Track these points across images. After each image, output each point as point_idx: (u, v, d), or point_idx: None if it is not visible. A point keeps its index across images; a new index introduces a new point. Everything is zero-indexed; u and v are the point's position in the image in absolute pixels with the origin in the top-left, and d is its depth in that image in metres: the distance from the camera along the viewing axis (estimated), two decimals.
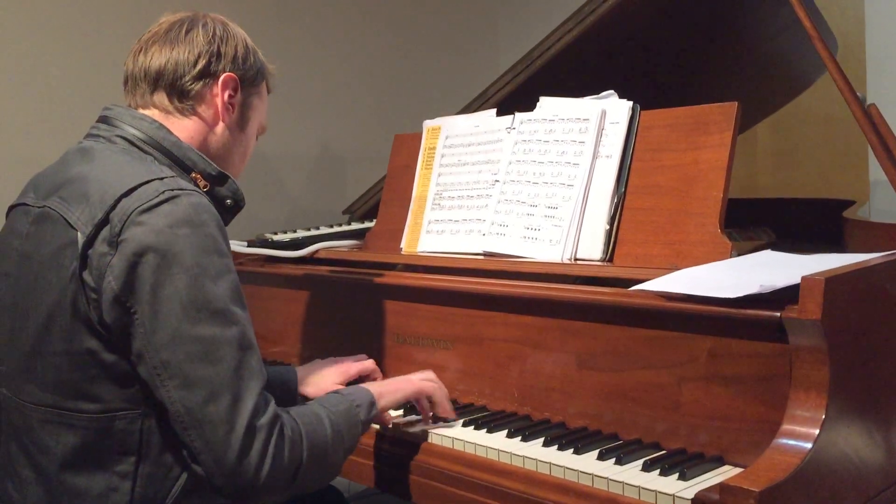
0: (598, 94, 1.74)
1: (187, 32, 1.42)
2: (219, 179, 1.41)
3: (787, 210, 2.60)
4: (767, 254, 1.48)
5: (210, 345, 1.21)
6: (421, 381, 1.54)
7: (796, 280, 1.17)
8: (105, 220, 1.23)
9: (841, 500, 1.15)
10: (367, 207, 2.37)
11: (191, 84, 1.41)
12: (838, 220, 2.27)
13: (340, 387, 1.63)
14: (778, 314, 1.15)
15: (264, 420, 1.22)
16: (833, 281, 1.13)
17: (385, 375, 1.72)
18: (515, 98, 1.98)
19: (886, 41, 3.18)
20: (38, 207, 1.33)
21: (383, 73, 3.41)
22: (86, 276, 1.23)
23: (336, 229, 2.15)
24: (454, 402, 1.60)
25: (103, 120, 1.42)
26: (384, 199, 2.06)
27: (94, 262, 1.22)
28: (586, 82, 1.83)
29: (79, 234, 1.24)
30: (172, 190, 1.24)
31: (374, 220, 2.25)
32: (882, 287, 1.27)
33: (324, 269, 1.92)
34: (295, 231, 2.14)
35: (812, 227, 2.45)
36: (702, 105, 1.57)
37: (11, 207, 1.42)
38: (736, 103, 1.52)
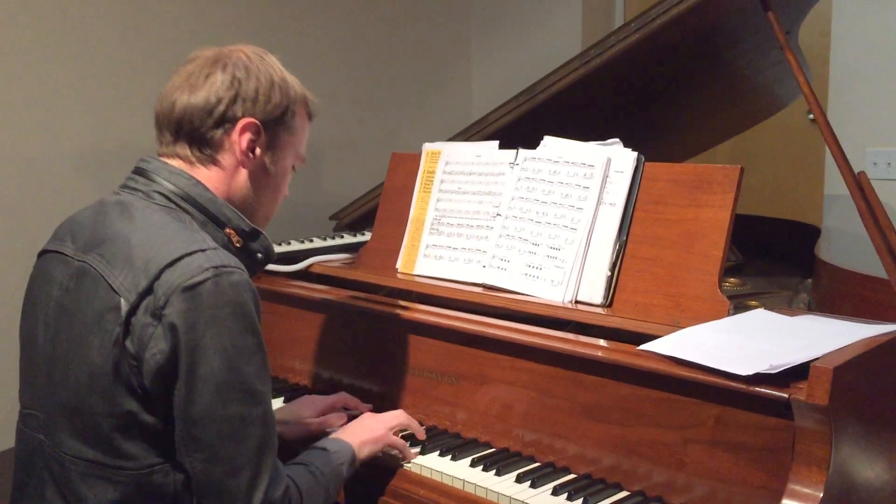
0: (587, 130, 1.81)
1: (208, 76, 1.41)
2: (252, 235, 1.45)
3: (754, 228, 2.71)
4: (761, 314, 1.57)
5: (239, 424, 1.28)
6: (392, 430, 1.61)
7: (803, 360, 1.27)
8: (149, 290, 1.26)
9: None
10: (354, 216, 2.40)
11: (209, 132, 1.41)
12: (803, 246, 2.40)
13: (313, 419, 1.70)
14: (787, 396, 1.25)
15: (278, 495, 1.30)
16: (840, 368, 1.23)
17: (385, 403, 1.78)
18: (512, 129, 2.03)
19: (851, 57, 3.29)
20: (78, 261, 1.35)
21: (362, 65, 3.40)
22: (128, 343, 1.27)
23: (329, 243, 2.19)
24: (457, 435, 1.68)
25: (140, 172, 1.44)
26: (380, 217, 2.10)
27: (137, 331, 1.26)
28: (582, 120, 1.90)
29: (122, 300, 1.27)
30: (216, 267, 1.27)
31: (361, 232, 2.29)
32: (881, 366, 1.37)
33: (329, 291, 1.95)
34: (289, 243, 2.16)
35: (778, 250, 2.57)
36: (706, 164, 1.64)
37: (45, 251, 1.44)
38: (740, 167, 1.59)
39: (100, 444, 1.30)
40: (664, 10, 1.77)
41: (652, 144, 1.79)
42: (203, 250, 1.29)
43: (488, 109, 2.16)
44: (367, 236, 2.21)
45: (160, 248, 1.29)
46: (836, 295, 1.96)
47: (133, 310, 1.26)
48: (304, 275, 2.07)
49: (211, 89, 1.40)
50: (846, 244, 2.98)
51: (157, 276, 1.26)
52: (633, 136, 1.78)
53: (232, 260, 1.32)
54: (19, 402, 1.46)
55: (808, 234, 2.54)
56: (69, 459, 1.31)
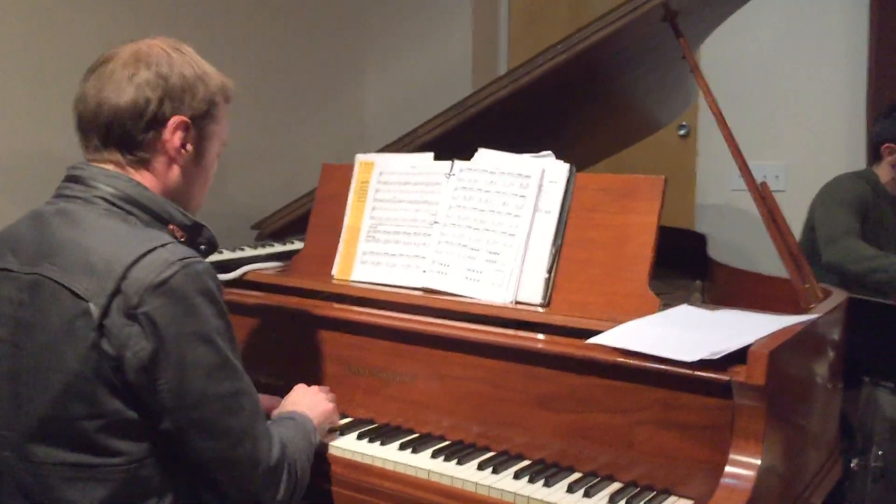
0: (510, 143, 1.95)
1: (132, 77, 1.41)
2: (194, 229, 1.50)
3: None
4: (687, 309, 1.75)
5: (232, 398, 1.37)
6: (329, 401, 1.74)
7: (739, 346, 1.44)
8: (117, 291, 1.29)
9: None
10: (278, 226, 2.45)
11: (140, 135, 1.43)
12: (689, 250, 2.63)
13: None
14: (728, 378, 1.42)
15: (277, 453, 1.41)
16: (775, 351, 1.41)
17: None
18: (440, 142, 2.14)
19: (719, 81, 3.60)
20: (28, 274, 1.35)
21: (263, 76, 3.44)
22: (104, 345, 1.30)
23: (260, 251, 2.23)
24: (411, 430, 1.77)
25: (75, 179, 1.43)
26: (312, 225, 2.16)
27: (113, 332, 1.29)
28: (500, 133, 2.04)
29: (91, 305, 1.29)
30: (181, 260, 1.33)
31: (290, 241, 2.34)
32: (800, 350, 1.58)
33: (268, 297, 2.00)
34: (221, 252, 2.19)
35: (665, 255, 2.80)
36: (632, 175, 1.81)
37: None
38: (663, 177, 1.77)
39: (84, 447, 1.32)
40: (589, 34, 1.94)
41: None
42: (163, 245, 1.34)
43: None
44: (297, 245, 2.27)
45: (118, 249, 1.32)
46: (732, 293, 2.19)
47: (105, 312, 1.29)
48: (240, 282, 2.11)
49: (137, 90, 1.40)
50: (717, 248, 3.27)
51: (124, 276, 1.29)
52: (535, 148, 1.94)
53: (190, 251, 1.38)
54: None
55: (694, 239, 2.78)
56: (48, 467, 1.33)
